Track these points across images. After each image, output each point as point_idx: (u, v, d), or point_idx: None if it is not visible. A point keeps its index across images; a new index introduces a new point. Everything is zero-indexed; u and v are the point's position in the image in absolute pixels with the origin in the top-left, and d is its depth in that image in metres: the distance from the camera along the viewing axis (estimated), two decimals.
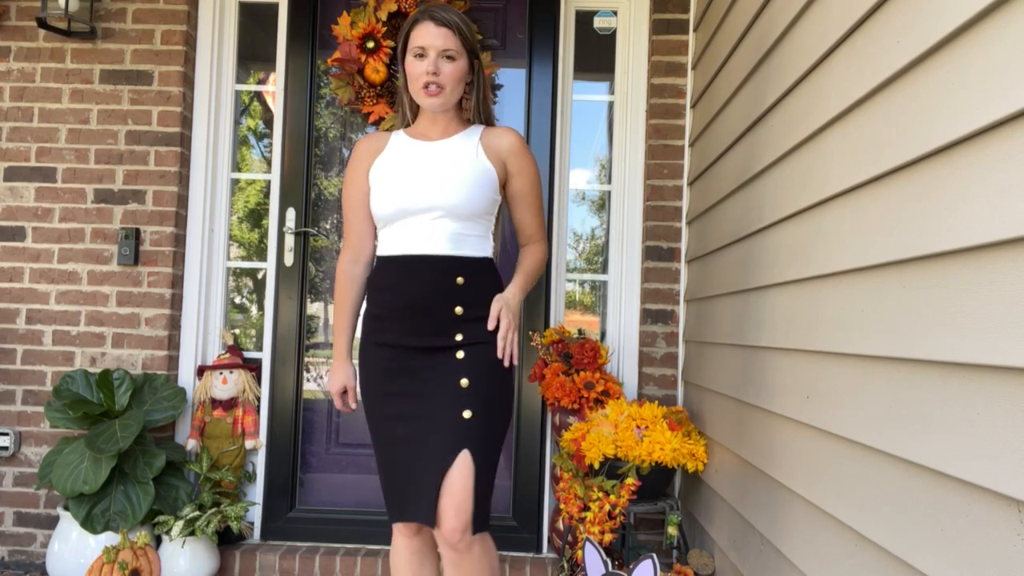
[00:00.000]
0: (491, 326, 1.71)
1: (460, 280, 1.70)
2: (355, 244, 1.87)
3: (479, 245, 1.76)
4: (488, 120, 1.86)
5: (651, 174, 2.78)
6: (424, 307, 1.71)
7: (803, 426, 1.56)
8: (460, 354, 1.69)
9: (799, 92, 1.64)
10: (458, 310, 1.70)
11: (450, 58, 1.72)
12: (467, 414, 1.64)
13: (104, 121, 2.79)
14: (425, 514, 1.63)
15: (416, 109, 1.85)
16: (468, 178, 1.72)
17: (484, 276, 1.75)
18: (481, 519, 1.64)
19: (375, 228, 1.86)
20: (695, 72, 2.72)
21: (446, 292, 1.70)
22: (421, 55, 1.72)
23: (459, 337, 1.70)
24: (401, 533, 1.81)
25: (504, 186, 1.82)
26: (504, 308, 1.72)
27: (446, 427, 1.64)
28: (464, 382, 1.66)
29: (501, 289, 1.79)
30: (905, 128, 1.17)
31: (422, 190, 1.72)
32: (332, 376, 1.89)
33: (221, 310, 2.93)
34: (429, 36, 1.71)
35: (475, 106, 1.84)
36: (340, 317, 1.88)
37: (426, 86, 1.71)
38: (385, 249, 1.78)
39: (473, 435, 1.63)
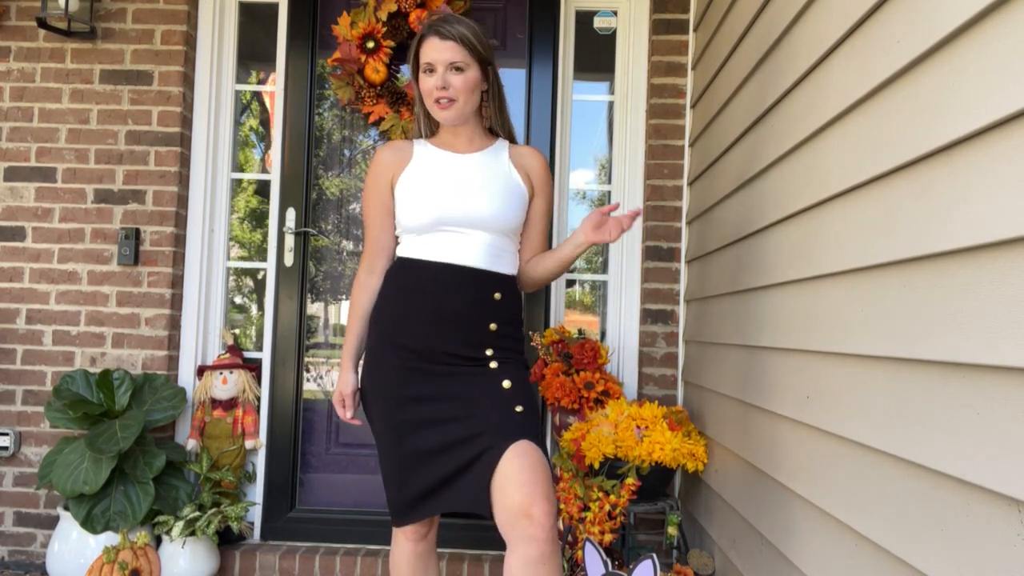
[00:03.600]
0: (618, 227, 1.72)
1: (498, 296, 1.72)
2: (372, 254, 1.84)
3: (510, 262, 1.79)
4: (509, 134, 1.88)
5: (651, 174, 2.78)
6: (461, 317, 1.69)
7: (803, 426, 1.56)
8: (494, 364, 1.70)
9: (799, 92, 1.64)
10: (492, 326, 1.71)
11: (458, 70, 1.71)
12: (519, 408, 1.63)
13: (104, 121, 2.79)
14: (475, 503, 1.59)
15: (434, 121, 1.86)
16: (505, 193, 1.75)
17: (514, 295, 1.79)
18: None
19: (394, 240, 1.84)
20: (695, 72, 2.72)
21: (484, 306, 1.71)
22: (430, 71, 1.73)
23: (489, 352, 1.71)
24: (407, 537, 1.80)
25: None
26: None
27: (498, 422, 1.61)
28: (507, 383, 1.67)
29: (523, 309, 1.85)
30: (905, 128, 1.17)
31: (461, 202, 1.71)
32: (337, 383, 1.88)
33: (221, 310, 2.93)
34: (435, 51, 1.71)
35: (493, 114, 1.84)
36: (350, 326, 1.85)
37: (438, 101, 1.73)
38: (416, 253, 1.74)
39: (530, 428, 1.62)
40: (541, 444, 1.64)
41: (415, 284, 1.73)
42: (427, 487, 1.66)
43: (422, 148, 1.83)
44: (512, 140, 1.88)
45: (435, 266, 1.71)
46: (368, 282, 1.84)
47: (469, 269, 1.71)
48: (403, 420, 1.69)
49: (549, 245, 2.83)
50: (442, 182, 1.75)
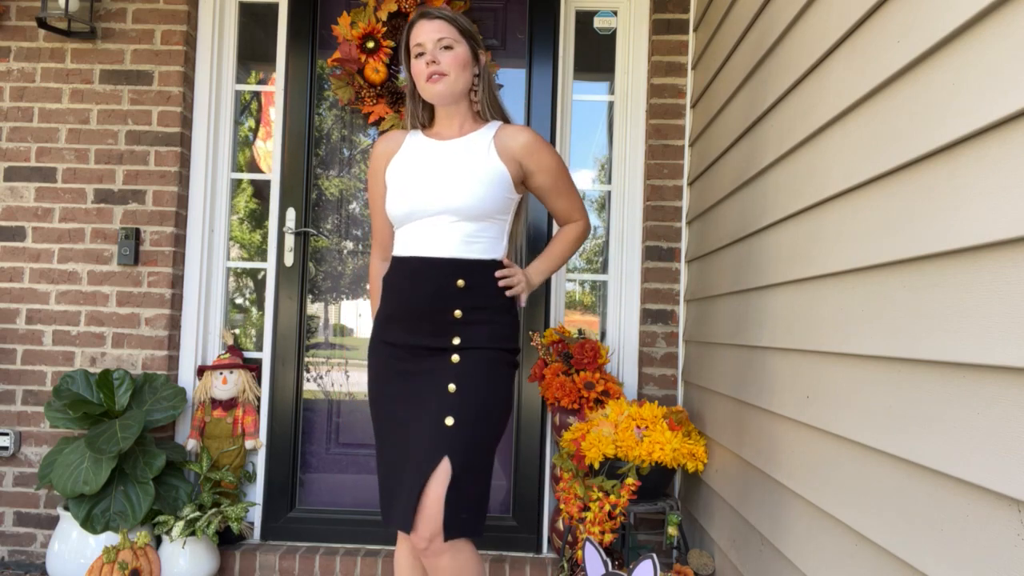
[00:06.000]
0: (502, 283, 1.75)
1: (461, 283, 1.70)
2: (381, 242, 1.92)
3: (490, 247, 1.75)
4: (502, 114, 1.87)
5: (651, 174, 2.78)
6: (424, 309, 1.71)
7: (803, 426, 1.56)
8: (455, 357, 1.68)
9: (799, 92, 1.64)
10: (457, 313, 1.70)
11: (448, 47, 1.74)
12: (449, 421, 1.61)
13: (104, 121, 2.79)
14: (402, 520, 1.60)
15: (429, 112, 1.87)
16: (479, 179, 1.71)
17: (489, 278, 1.75)
18: (457, 525, 1.58)
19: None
20: (695, 72, 2.72)
21: (446, 295, 1.70)
22: (420, 53, 1.75)
23: (456, 340, 1.69)
24: (403, 537, 1.81)
25: (524, 182, 1.83)
26: (521, 280, 1.81)
27: (428, 435, 1.62)
28: (451, 387, 1.64)
29: (505, 291, 1.80)
30: (905, 128, 1.17)
31: (432, 192, 1.72)
32: None
33: (221, 310, 2.93)
34: (424, 32, 1.75)
35: (484, 98, 1.84)
36: (373, 303, 1.96)
37: (429, 77, 1.74)
38: (398, 250, 1.79)
39: (454, 442, 1.60)
40: (472, 447, 1.61)
41: (395, 281, 1.77)
42: (395, 483, 1.69)
43: (412, 138, 1.85)
44: (506, 121, 1.87)
45: (408, 261, 1.74)
46: (382, 268, 1.92)
47: (433, 259, 1.71)
48: (382, 414, 1.76)
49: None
50: (418, 171, 1.76)
